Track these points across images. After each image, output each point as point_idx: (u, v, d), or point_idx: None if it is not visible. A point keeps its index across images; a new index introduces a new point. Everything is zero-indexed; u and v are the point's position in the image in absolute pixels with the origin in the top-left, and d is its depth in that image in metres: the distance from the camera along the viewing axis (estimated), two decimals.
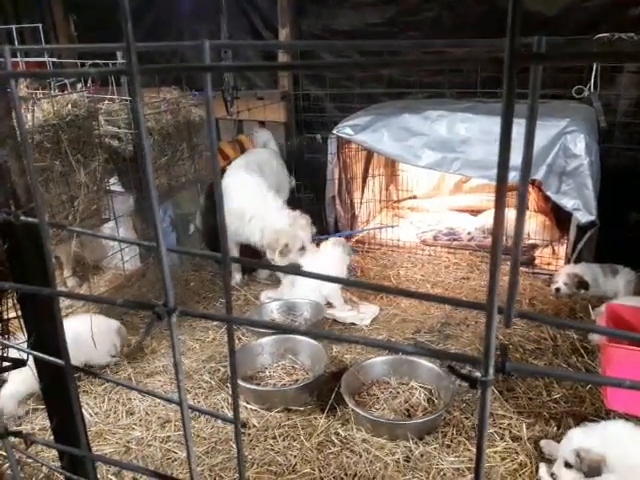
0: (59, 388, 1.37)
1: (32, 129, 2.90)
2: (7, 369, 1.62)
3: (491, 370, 0.48)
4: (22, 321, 1.55)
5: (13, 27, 3.89)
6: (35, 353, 1.03)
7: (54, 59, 3.76)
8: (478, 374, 0.49)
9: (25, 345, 1.51)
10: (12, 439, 0.84)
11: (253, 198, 3.94)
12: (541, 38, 0.45)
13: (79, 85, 3.92)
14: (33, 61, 4.05)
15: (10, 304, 1.61)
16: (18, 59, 3.45)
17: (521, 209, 0.49)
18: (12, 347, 1.00)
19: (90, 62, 3.62)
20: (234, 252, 4.10)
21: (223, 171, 4.26)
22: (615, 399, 2.57)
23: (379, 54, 4.19)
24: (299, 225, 3.88)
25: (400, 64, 0.46)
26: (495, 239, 0.45)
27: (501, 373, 0.49)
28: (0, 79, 1.06)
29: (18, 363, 1.57)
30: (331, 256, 3.88)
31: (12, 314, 1.63)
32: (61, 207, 3.18)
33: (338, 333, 3.23)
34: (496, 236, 0.45)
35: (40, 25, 3.89)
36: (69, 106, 3.18)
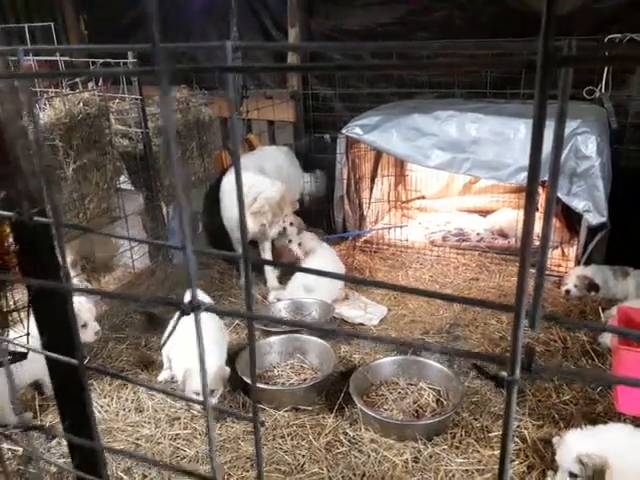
0: (71, 388, 1.37)
1: (35, 127, 2.92)
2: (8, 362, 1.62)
3: (517, 370, 0.48)
4: (21, 315, 1.56)
5: (25, 26, 3.93)
6: (48, 353, 1.03)
7: (65, 58, 3.78)
8: (504, 373, 0.49)
9: (24, 338, 1.52)
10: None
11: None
12: (571, 40, 0.45)
13: (90, 84, 3.94)
14: (45, 60, 4.07)
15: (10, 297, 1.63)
16: (30, 58, 3.48)
17: (549, 212, 0.49)
18: (21, 345, 1.00)
19: (101, 61, 3.63)
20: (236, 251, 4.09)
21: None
22: (626, 402, 2.55)
23: (390, 54, 4.19)
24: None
25: (430, 66, 0.47)
26: (525, 241, 0.45)
27: (528, 373, 0.49)
28: (18, 79, 1.07)
29: (19, 356, 1.57)
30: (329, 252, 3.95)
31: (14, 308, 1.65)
32: (72, 205, 3.21)
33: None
34: (525, 238, 0.45)
35: (52, 24, 3.91)
36: (81, 105, 3.20)
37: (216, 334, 2.92)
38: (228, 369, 2.77)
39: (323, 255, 4.00)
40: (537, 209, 3.71)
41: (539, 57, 0.40)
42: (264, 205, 3.73)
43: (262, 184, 3.82)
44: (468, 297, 0.48)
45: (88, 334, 2.91)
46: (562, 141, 0.46)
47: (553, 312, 3.57)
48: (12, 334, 1.64)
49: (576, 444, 2.09)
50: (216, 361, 2.71)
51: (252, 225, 3.76)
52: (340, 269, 3.95)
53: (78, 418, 1.42)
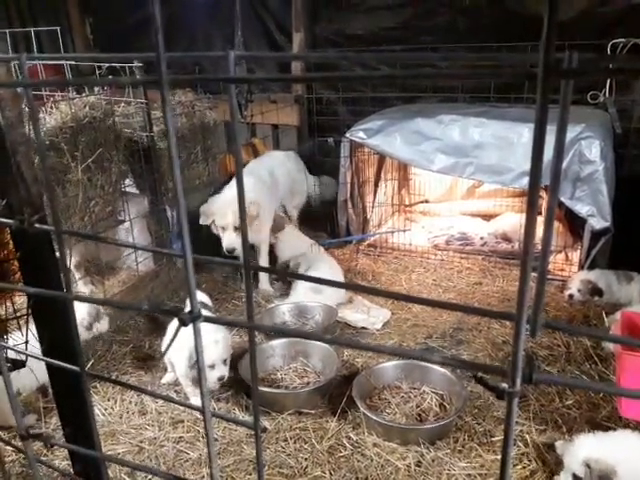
0: (72, 394, 1.38)
1: (37, 134, 2.93)
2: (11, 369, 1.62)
3: (518, 381, 0.49)
4: (21, 322, 1.55)
5: (32, 30, 3.96)
6: (49, 359, 1.03)
7: (72, 62, 3.81)
8: (505, 385, 0.50)
9: (23, 346, 1.51)
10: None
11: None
12: (572, 53, 0.45)
13: (95, 88, 3.96)
14: (51, 64, 4.09)
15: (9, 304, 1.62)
16: (37, 62, 3.50)
17: (549, 219, 0.49)
18: (22, 352, 1.00)
19: (107, 65, 3.66)
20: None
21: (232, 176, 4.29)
22: (629, 407, 2.54)
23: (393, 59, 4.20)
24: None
25: (433, 76, 0.47)
26: (526, 249, 0.45)
27: (528, 384, 0.49)
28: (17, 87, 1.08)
29: (17, 364, 1.57)
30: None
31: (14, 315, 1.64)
32: (77, 208, 3.22)
33: (352, 338, 3.23)
34: (527, 246, 0.45)
35: (58, 28, 3.94)
36: (86, 108, 3.22)
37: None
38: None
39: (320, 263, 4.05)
40: (540, 213, 3.71)
41: (540, 70, 0.41)
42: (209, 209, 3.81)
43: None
44: (468, 305, 0.48)
45: (103, 325, 3.15)
46: (562, 151, 0.47)
47: (556, 317, 3.57)
48: (11, 342, 1.64)
49: (586, 448, 2.07)
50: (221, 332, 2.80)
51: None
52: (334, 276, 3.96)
53: (79, 425, 1.43)
